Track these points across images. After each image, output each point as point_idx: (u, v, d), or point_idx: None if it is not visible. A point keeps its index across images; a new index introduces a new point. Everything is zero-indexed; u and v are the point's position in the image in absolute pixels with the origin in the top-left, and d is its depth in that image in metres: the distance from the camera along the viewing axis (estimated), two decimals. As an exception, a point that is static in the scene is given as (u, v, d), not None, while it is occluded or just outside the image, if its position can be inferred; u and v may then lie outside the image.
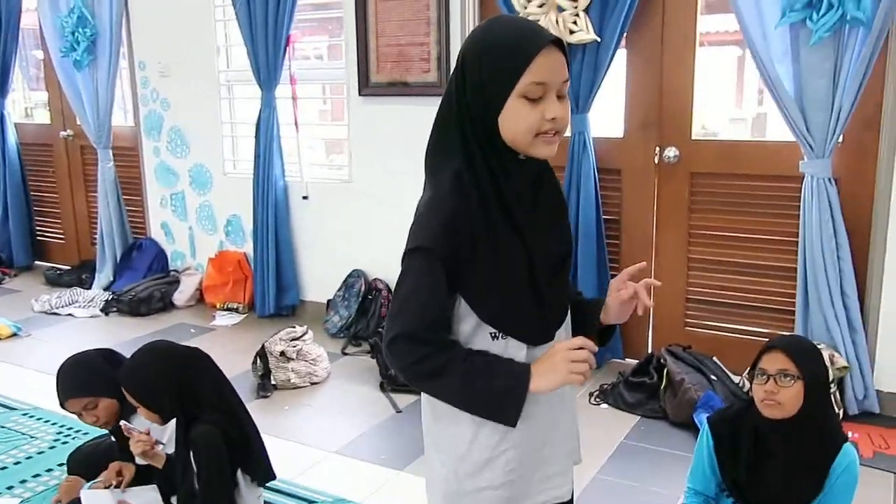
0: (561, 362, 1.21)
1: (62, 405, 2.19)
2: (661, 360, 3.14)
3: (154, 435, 2.04)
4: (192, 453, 1.87)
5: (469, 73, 1.21)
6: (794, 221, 3.06)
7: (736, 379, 3.05)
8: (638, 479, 2.58)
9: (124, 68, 4.81)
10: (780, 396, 1.77)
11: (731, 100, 6.34)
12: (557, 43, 1.19)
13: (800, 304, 3.06)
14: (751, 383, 1.86)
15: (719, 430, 1.93)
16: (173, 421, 1.98)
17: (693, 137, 3.34)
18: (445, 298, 1.22)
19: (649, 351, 3.42)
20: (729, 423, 1.93)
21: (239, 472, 1.95)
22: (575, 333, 1.37)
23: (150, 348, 2.03)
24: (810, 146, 2.92)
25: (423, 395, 1.35)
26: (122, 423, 2.06)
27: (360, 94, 3.94)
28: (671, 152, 3.34)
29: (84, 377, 2.16)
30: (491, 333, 1.26)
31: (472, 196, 1.21)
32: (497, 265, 1.22)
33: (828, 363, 2.81)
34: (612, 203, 3.50)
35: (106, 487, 2.15)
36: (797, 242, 3.04)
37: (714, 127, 5.34)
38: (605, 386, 3.25)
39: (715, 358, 3.21)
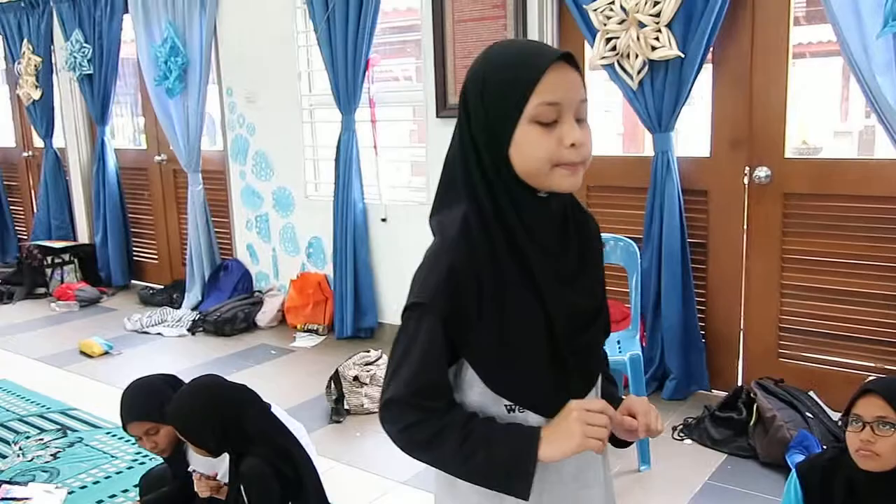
0: (576, 423, 1.04)
1: (124, 428, 2.21)
2: (751, 394, 2.93)
3: (216, 469, 2.05)
4: (242, 487, 1.86)
5: (472, 107, 1.07)
6: (901, 246, 2.82)
7: (835, 416, 2.82)
8: (723, 524, 2.41)
9: (213, 95, 4.96)
10: (877, 447, 1.59)
11: (836, 113, 6.03)
12: (568, 58, 1.05)
13: (907, 336, 2.81)
14: (845, 429, 1.69)
15: (809, 479, 1.76)
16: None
17: (787, 156, 3.14)
18: (442, 363, 1.07)
19: (738, 383, 3.22)
20: (820, 471, 1.76)
21: (292, 507, 1.92)
22: None
23: (193, 386, 2.03)
24: (917, 165, 2.69)
25: None
26: (191, 468, 2.07)
27: (437, 116, 3.91)
28: (762, 172, 3.14)
29: (149, 402, 2.17)
30: (506, 405, 1.10)
31: (479, 244, 1.05)
32: (507, 325, 1.06)
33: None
34: (698, 226, 3.32)
35: None
36: (904, 269, 2.81)
37: (817, 142, 5.07)
38: (690, 420, 3.07)
39: (812, 393, 2.98)
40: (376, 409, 3.48)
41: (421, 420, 1.07)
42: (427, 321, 1.06)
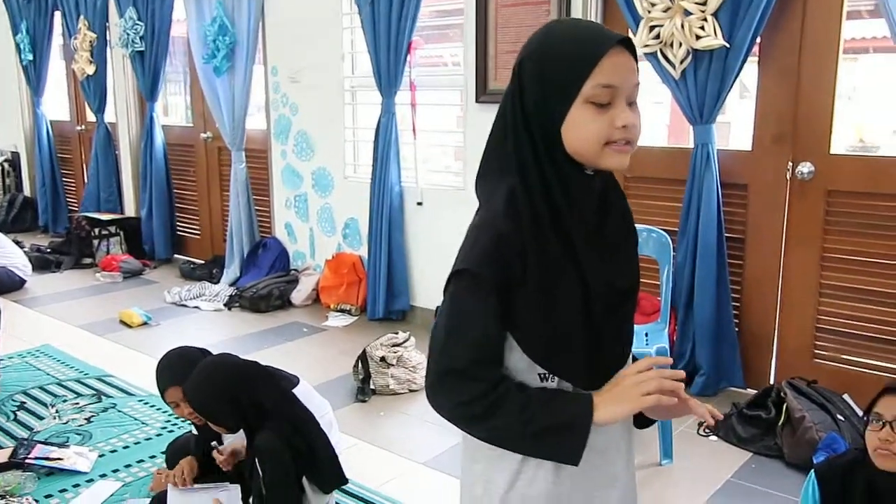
0: (631, 387, 1.10)
1: (162, 393, 2.27)
2: (782, 394, 2.87)
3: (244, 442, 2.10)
4: (256, 459, 1.89)
5: (528, 81, 1.09)
6: (946, 249, 2.73)
7: (868, 421, 2.75)
8: (743, 523, 2.37)
9: (259, 74, 5.02)
10: (896, 447, 1.55)
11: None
12: (627, 43, 1.08)
13: (949, 342, 2.71)
14: (864, 429, 1.64)
15: (828, 480, 1.73)
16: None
17: (832, 152, 3.05)
18: (497, 328, 1.10)
19: (770, 382, 3.16)
20: (839, 473, 1.72)
21: (305, 480, 1.95)
22: None
23: (204, 365, 2.07)
24: (968, 165, 2.59)
25: (466, 439, 1.22)
26: (213, 444, 2.12)
27: (477, 101, 3.90)
28: (805, 168, 3.07)
29: (185, 369, 2.21)
30: (539, 374, 1.12)
31: (525, 217, 1.08)
32: (547, 297, 1.09)
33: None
34: (736, 220, 3.26)
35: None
36: (948, 273, 2.71)
37: (875, 140, 4.91)
38: (718, 417, 3.01)
39: (846, 396, 2.91)
40: (402, 391, 3.52)
41: (483, 391, 1.09)
42: (479, 287, 1.08)
